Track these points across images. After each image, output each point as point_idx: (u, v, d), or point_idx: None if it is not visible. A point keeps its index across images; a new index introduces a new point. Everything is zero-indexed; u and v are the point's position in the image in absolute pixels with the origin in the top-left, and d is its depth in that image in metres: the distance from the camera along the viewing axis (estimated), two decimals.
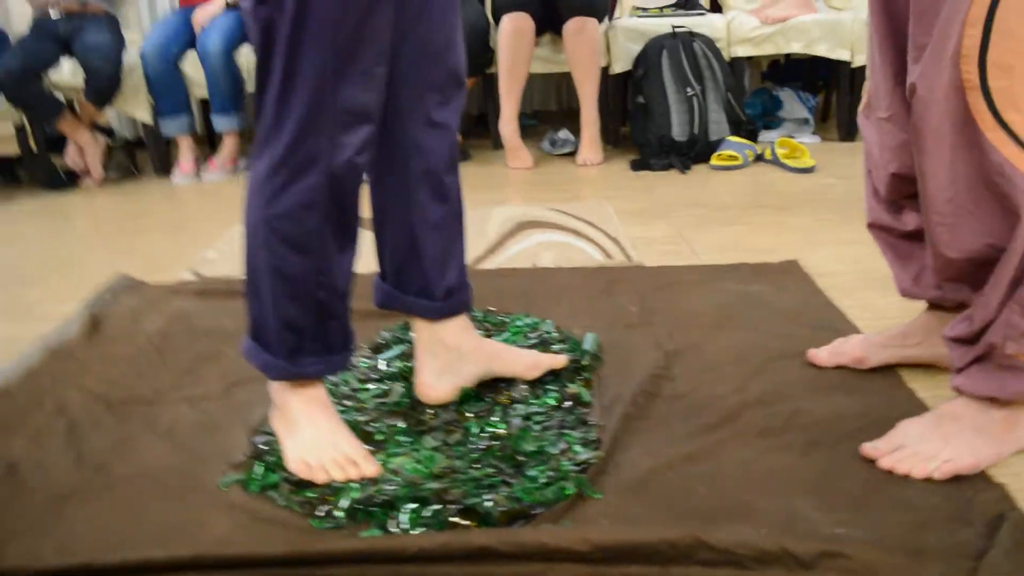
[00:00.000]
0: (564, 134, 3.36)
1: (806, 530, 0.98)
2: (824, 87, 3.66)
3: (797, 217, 2.31)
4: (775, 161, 2.90)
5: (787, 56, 3.62)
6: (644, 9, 3.45)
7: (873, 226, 1.36)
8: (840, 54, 3.17)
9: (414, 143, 1.22)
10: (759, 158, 2.98)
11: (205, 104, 3.62)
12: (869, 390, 1.31)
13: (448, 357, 1.32)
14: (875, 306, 1.65)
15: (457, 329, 1.32)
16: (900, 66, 1.15)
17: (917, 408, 1.24)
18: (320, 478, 1.13)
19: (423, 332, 1.32)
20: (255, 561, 0.94)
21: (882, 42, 1.19)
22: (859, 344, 1.39)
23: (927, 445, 1.10)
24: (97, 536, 1.04)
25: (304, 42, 1.02)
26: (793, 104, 3.37)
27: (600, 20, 3.10)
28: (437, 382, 1.32)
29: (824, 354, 1.40)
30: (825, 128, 3.50)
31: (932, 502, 1.03)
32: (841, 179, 2.69)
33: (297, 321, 1.14)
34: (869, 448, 1.14)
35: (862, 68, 3.05)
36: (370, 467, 1.15)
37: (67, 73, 3.21)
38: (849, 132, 3.26)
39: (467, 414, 1.29)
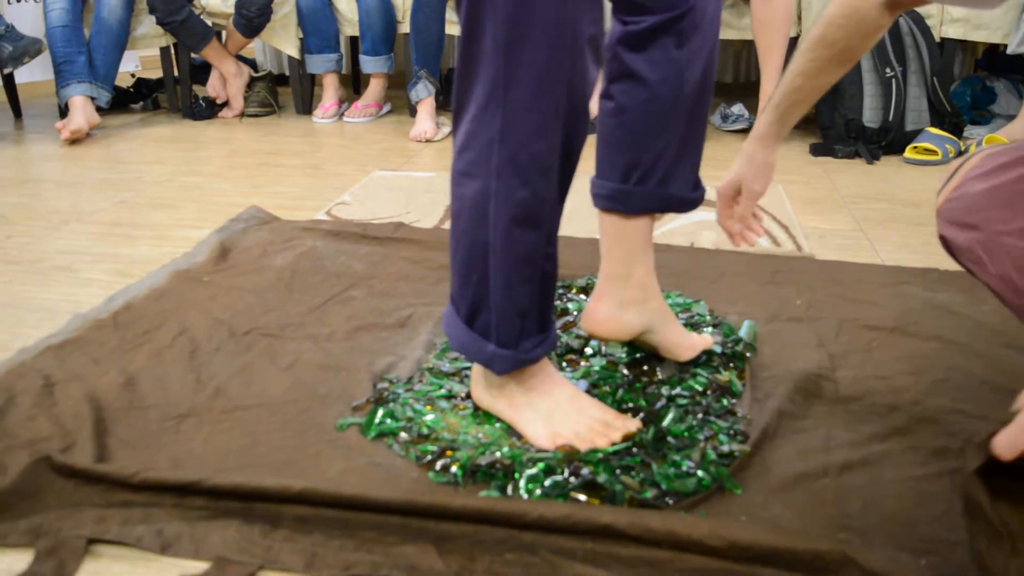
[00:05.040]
0: (738, 108, 3.30)
1: (971, 567, 0.94)
2: None
3: None
4: None
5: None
6: None
7: None
8: None
9: None
10: (961, 155, 2.85)
11: (355, 43, 3.75)
12: None
13: (635, 294, 1.30)
14: None
15: (650, 268, 1.31)
16: None
17: None
18: (584, 447, 1.12)
19: (615, 262, 1.30)
20: (367, 504, 0.98)
21: None
22: None
23: None
24: (212, 457, 1.11)
25: None
26: (1009, 98, 3.20)
27: None
28: (620, 313, 1.30)
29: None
30: None
31: None
32: None
33: (525, 303, 1.11)
34: None
35: None
36: (631, 424, 1.16)
37: None
38: None
39: (623, 371, 1.33)
